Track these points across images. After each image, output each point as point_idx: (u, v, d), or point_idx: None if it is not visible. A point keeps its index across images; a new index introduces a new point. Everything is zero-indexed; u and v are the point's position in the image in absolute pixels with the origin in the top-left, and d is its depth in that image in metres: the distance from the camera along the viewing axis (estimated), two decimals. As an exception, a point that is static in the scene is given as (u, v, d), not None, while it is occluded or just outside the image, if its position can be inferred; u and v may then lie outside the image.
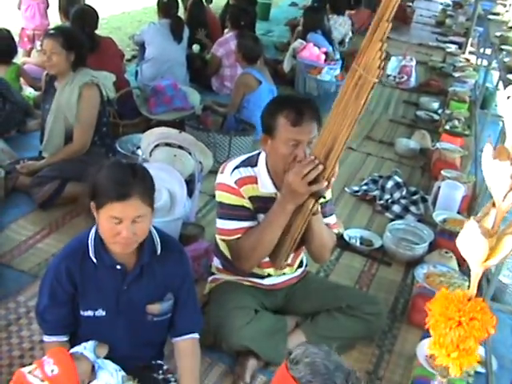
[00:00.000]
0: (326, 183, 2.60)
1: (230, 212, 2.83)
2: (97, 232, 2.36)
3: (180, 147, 4.07)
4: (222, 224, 2.87)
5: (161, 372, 2.49)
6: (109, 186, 2.22)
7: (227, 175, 2.84)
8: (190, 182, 3.96)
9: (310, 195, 2.63)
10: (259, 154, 2.89)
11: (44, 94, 4.45)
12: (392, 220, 4.58)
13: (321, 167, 2.56)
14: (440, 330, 1.04)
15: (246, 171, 2.84)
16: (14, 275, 3.41)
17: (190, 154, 4.05)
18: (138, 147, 4.50)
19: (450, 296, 1.07)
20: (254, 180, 2.84)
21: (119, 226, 2.23)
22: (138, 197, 2.23)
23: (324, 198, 2.73)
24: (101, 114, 4.27)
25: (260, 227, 2.78)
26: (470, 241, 1.15)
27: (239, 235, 2.82)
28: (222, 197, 2.86)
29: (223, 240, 2.92)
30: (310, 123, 2.69)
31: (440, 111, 7.32)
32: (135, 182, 2.25)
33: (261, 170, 2.84)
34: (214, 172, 4.47)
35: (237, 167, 2.85)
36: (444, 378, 1.00)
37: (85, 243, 2.37)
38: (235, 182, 2.81)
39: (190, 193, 3.93)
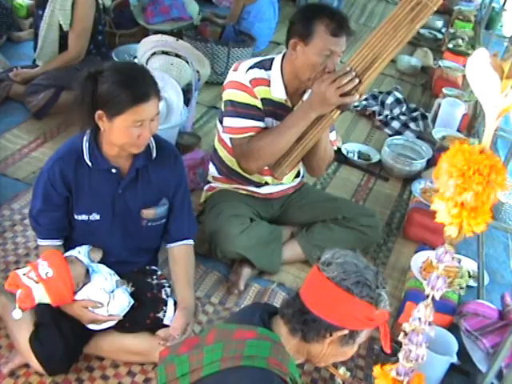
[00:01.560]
0: (357, 97, 2.57)
1: (243, 110, 2.77)
2: (91, 136, 2.31)
3: (177, 56, 3.97)
4: (232, 122, 2.80)
5: (155, 277, 2.49)
6: (126, 91, 2.14)
7: (241, 74, 2.77)
8: (186, 91, 3.89)
9: (337, 107, 2.60)
10: (273, 58, 2.82)
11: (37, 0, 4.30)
12: (391, 136, 4.54)
13: (357, 80, 2.52)
14: (442, 178, 0.99)
15: (260, 73, 2.78)
16: (9, 183, 3.39)
17: (187, 62, 3.96)
18: (135, 57, 4.40)
19: (463, 147, 1.01)
20: (267, 83, 2.78)
21: (140, 129, 2.19)
22: (154, 95, 2.20)
23: (351, 111, 2.69)
24: (96, 21, 4.15)
25: (277, 129, 2.74)
26: (479, 73, 1.06)
27: (252, 133, 2.77)
28: (233, 95, 2.79)
29: (232, 139, 2.85)
30: (345, 37, 2.63)
31: (444, 30, 7.18)
32: (148, 80, 2.22)
33: (274, 75, 2.77)
34: (211, 83, 4.44)
35: (251, 67, 2.78)
36: (451, 245, 0.96)
37: (79, 146, 2.32)
38: (250, 82, 2.75)
39: (187, 102, 3.87)
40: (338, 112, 2.63)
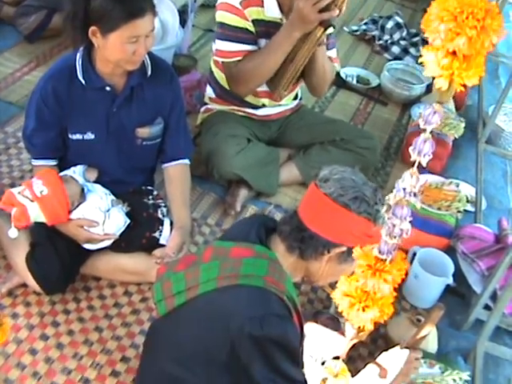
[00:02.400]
0: (337, 12, 2.50)
1: (232, 33, 2.71)
2: (84, 53, 2.25)
3: (172, -25, 3.86)
4: (221, 45, 2.75)
5: (151, 197, 2.47)
6: (120, 6, 2.06)
7: None
8: (182, 13, 3.80)
9: (319, 23, 2.53)
10: None
11: None
12: (390, 61, 4.45)
13: None
14: (432, 24, 0.90)
15: None
16: (2, 106, 3.33)
17: (182, -18, 3.86)
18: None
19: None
20: (260, 2, 2.70)
21: (135, 45, 2.13)
22: (149, 9, 2.13)
23: (334, 27, 2.63)
24: None
25: (263, 52, 2.69)
26: None
27: (239, 58, 2.72)
28: (223, 17, 2.72)
29: (222, 62, 2.81)
30: None
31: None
32: None
33: None
34: (207, 6, 4.35)
35: None
36: (440, 104, 0.87)
37: (72, 64, 2.26)
38: (240, 3, 2.68)
39: (183, 23, 3.78)
40: (322, 29, 2.57)
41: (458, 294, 2.73)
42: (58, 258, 2.26)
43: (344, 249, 1.65)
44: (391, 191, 3.16)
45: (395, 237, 0.88)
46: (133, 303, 2.40)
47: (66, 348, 2.19)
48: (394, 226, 0.86)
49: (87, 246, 2.31)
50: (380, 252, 0.90)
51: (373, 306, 0.88)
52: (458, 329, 2.60)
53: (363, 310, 0.88)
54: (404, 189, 0.86)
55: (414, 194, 0.87)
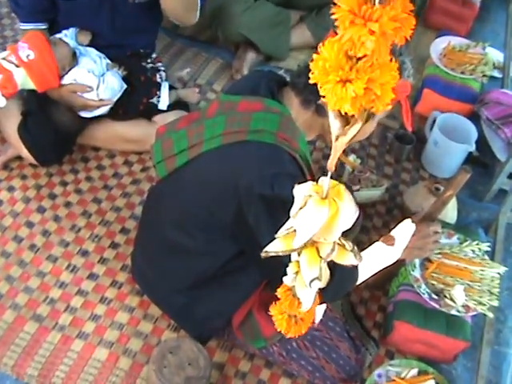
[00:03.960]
0: None
1: None
2: None
3: None
4: None
5: (149, 60, 2.31)
6: None
7: None
8: None
9: None
10: None
11: None
12: None
13: None
14: None
15: None
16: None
17: None
18: None
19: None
20: None
21: None
22: None
23: None
24: None
25: None
26: None
27: None
28: None
29: None
30: None
31: None
32: None
33: None
34: None
35: None
36: None
37: None
38: None
39: None
40: None
41: (480, 164, 2.57)
42: (51, 127, 2.14)
43: None
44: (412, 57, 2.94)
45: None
46: (133, 173, 2.30)
47: (64, 220, 2.11)
48: None
49: (83, 114, 2.19)
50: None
51: (357, 79, 0.62)
52: (480, 200, 2.47)
53: (343, 83, 0.62)
54: None
55: None
